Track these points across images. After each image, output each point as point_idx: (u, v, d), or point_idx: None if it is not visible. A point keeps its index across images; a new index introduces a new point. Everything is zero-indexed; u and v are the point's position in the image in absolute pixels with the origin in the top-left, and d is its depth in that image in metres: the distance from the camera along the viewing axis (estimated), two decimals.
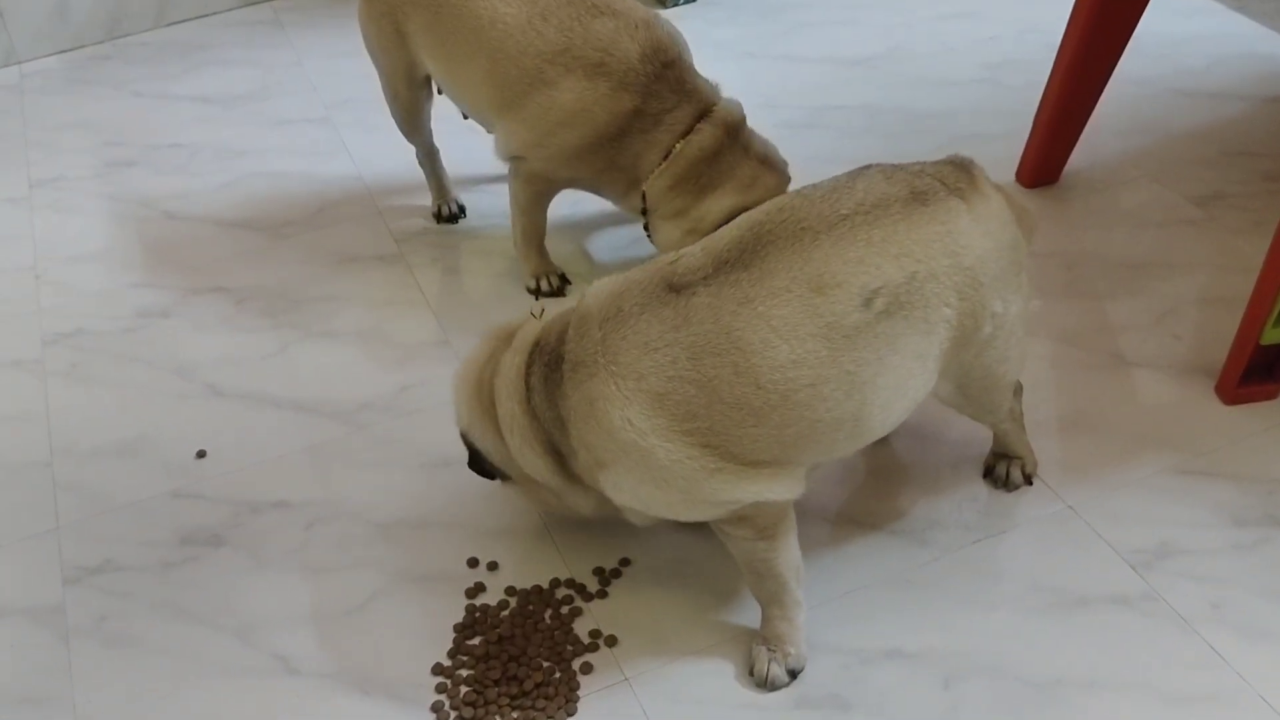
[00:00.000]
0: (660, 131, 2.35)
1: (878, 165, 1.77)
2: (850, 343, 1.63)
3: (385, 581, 2.04)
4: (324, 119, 3.33)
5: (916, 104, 3.13)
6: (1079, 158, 2.79)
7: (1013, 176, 2.81)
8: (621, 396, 1.64)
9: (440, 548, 2.09)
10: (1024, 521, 2.02)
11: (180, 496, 2.23)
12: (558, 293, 2.64)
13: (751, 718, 1.78)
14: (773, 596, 1.82)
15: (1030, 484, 2.07)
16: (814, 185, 1.76)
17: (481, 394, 1.88)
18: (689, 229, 2.38)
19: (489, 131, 2.55)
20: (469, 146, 2.96)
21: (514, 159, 2.48)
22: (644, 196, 2.41)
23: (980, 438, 2.13)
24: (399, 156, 3.01)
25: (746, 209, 2.33)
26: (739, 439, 1.65)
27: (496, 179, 2.99)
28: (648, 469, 1.67)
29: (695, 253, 1.72)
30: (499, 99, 2.42)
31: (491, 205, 2.91)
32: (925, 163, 1.79)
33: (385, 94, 2.72)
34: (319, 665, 1.92)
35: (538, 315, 1.89)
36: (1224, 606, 1.86)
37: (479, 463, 1.97)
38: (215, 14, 3.92)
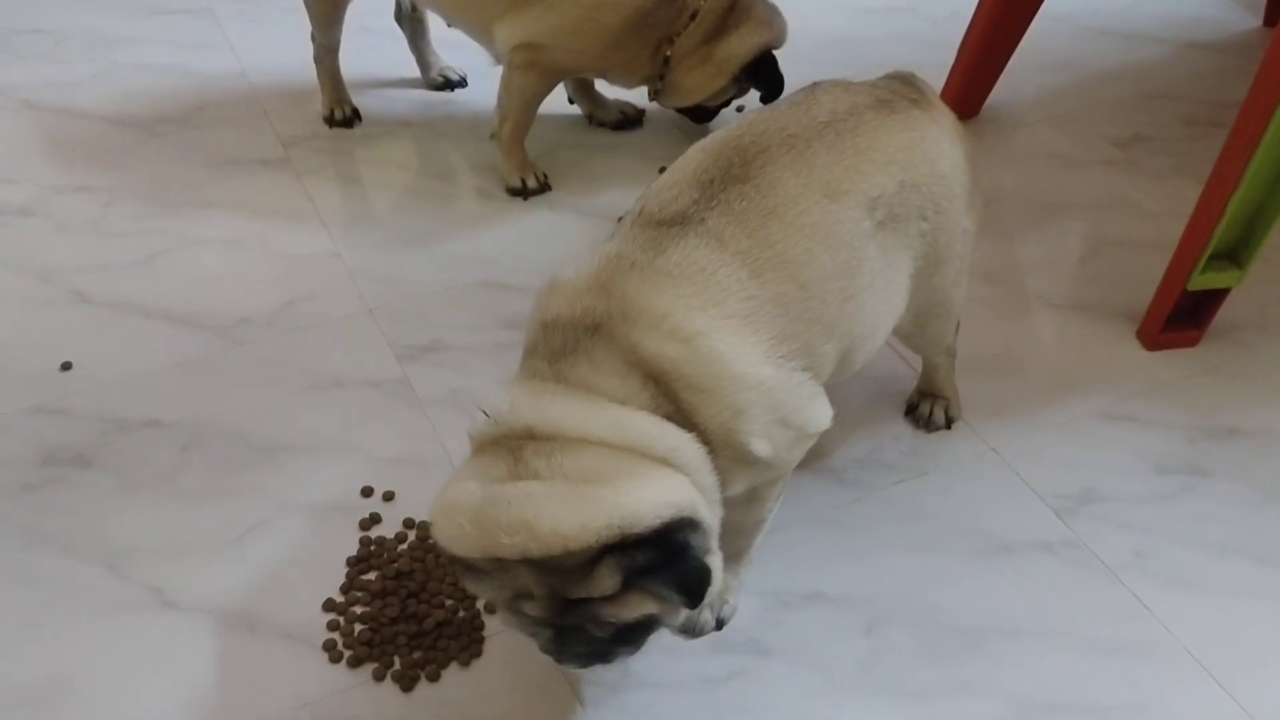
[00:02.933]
0: None
1: (829, 80, 1.67)
2: (867, 252, 1.54)
3: (270, 510, 1.89)
4: (206, 9, 3.09)
5: (833, 30, 3.03)
6: (998, 92, 2.72)
7: None
8: (713, 326, 1.41)
9: (331, 475, 1.94)
10: (947, 463, 1.96)
11: (42, 412, 2.04)
12: (543, 188, 2.53)
13: (668, 661, 1.69)
14: (740, 553, 1.69)
15: (950, 427, 2.01)
16: (772, 104, 1.66)
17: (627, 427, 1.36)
18: (714, 73, 2.46)
19: (467, 23, 2.44)
20: (364, 48, 2.78)
21: (534, 48, 2.36)
22: (666, 59, 2.42)
23: (902, 374, 2.06)
24: (287, 54, 2.81)
25: (768, 47, 2.46)
26: (820, 356, 1.51)
27: (392, 84, 2.82)
28: (771, 403, 1.45)
29: (661, 188, 1.55)
30: None
31: (387, 112, 2.73)
32: (872, 79, 1.69)
33: None
34: (197, 599, 1.77)
35: (487, 413, 1.43)
36: (1147, 555, 1.82)
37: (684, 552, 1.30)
38: None
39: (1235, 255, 2.06)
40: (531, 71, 2.40)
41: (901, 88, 1.66)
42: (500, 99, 2.46)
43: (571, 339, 1.41)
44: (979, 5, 2.57)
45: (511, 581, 1.31)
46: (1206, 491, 1.91)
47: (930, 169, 1.60)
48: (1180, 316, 2.13)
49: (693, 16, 2.39)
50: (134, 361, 2.13)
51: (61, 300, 2.26)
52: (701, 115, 2.66)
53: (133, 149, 2.63)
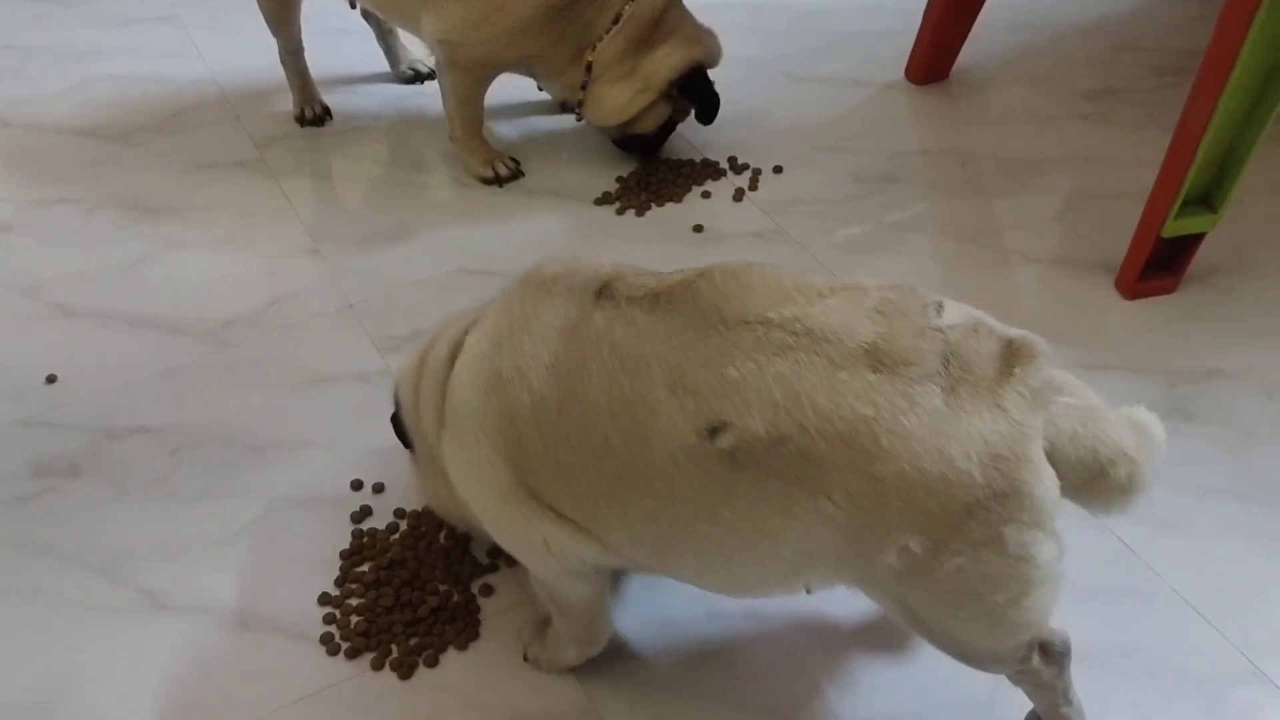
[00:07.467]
0: None
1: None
2: None
3: (261, 508, 1.90)
4: (171, 17, 3.09)
5: (801, 4, 3.03)
6: (968, 54, 2.73)
7: (902, 74, 2.73)
8: None
9: (321, 471, 1.95)
10: None
11: (31, 425, 2.05)
12: (515, 175, 2.52)
13: (665, 629, 1.70)
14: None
15: None
16: None
17: None
18: (640, 88, 2.37)
19: (400, 20, 2.43)
20: (333, 46, 2.79)
21: (448, 44, 2.33)
22: (588, 67, 2.35)
23: None
24: (255, 58, 2.81)
25: (696, 64, 2.37)
26: None
27: (362, 80, 2.82)
28: None
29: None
30: None
31: (359, 108, 2.74)
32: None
33: None
34: (192, 600, 1.78)
35: None
36: None
37: None
38: None
39: (1208, 200, 2.07)
40: (454, 69, 2.37)
41: None
42: (443, 100, 2.46)
43: None
44: None
45: None
46: (1189, 434, 1.92)
47: None
48: (1157, 264, 2.14)
49: (615, 20, 2.30)
50: (120, 370, 2.14)
51: (46, 314, 2.26)
52: (642, 146, 2.52)
53: (110, 159, 2.63)
